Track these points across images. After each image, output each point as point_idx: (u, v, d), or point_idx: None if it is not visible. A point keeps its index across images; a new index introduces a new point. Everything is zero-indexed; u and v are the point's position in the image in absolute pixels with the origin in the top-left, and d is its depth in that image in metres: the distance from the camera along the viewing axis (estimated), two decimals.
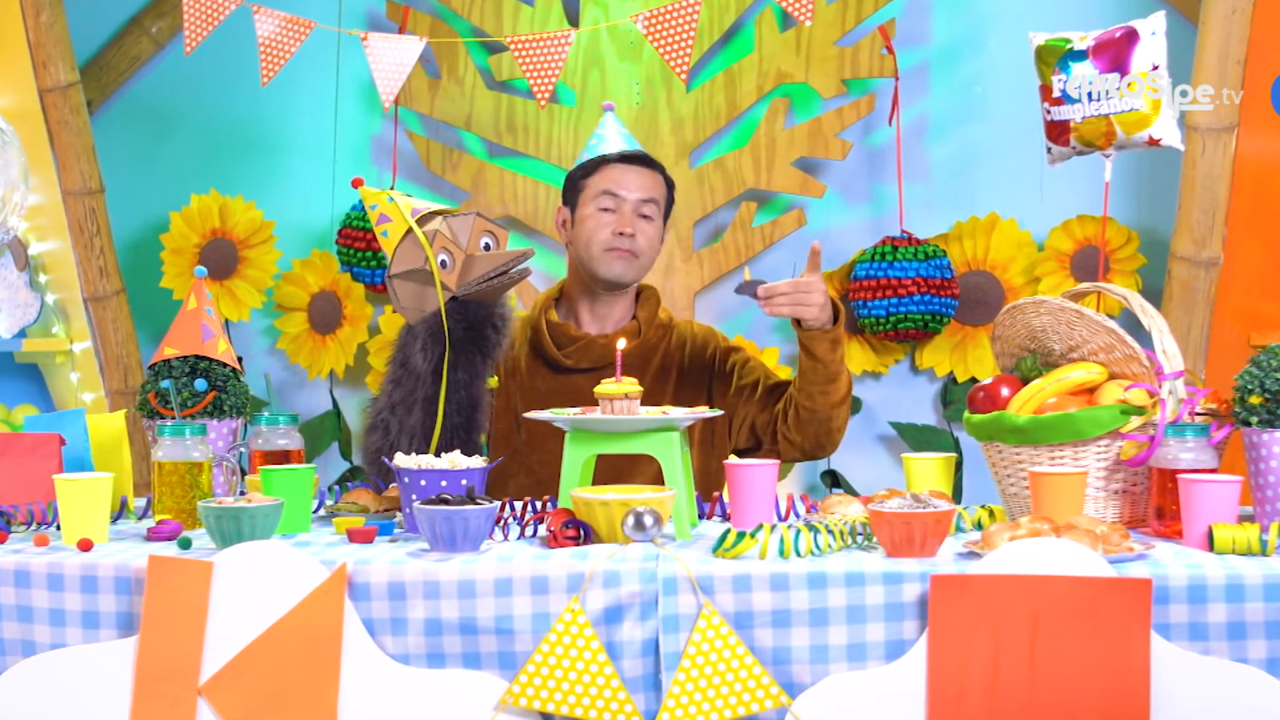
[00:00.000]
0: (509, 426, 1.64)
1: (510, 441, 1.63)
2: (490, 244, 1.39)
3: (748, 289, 1.46)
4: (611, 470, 1.44)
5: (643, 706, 1.08)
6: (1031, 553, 1.06)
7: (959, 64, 2.15)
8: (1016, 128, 2.07)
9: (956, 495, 2.01)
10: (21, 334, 2.10)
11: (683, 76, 1.87)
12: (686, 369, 1.65)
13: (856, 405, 2.17)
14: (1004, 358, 1.40)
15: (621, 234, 1.61)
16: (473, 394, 1.38)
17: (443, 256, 1.36)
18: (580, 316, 1.67)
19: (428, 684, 1.08)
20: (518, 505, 1.34)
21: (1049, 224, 2.09)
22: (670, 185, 1.68)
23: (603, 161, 1.65)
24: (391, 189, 2.16)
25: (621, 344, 1.37)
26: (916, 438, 2.12)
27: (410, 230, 1.36)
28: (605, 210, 1.63)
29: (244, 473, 1.45)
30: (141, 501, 1.42)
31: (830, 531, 1.14)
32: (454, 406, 1.36)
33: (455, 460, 1.23)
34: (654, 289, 1.71)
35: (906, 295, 2.02)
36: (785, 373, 2.16)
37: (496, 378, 1.54)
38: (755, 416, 1.60)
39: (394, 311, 2.01)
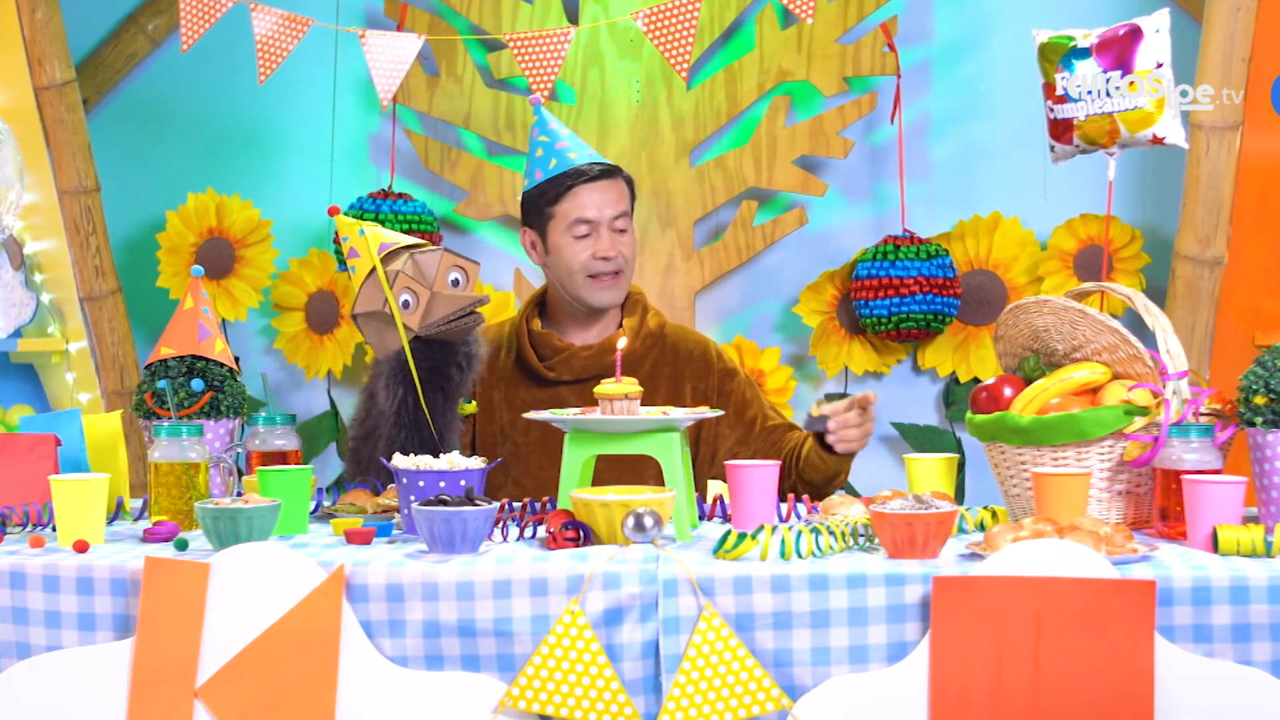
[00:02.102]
0: (494, 438, 1.62)
1: (496, 453, 1.62)
2: (459, 279, 1.37)
3: (817, 424, 1.51)
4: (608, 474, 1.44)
5: (643, 709, 1.07)
6: (1034, 554, 1.05)
7: (961, 62, 2.15)
8: (1019, 126, 2.07)
9: (959, 496, 2.01)
10: (17, 334, 2.09)
11: (683, 74, 1.86)
12: (676, 380, 1.63)
13: None
14: (1007, 358, 1.39)
15: (605, 258, 1.59)
16: (438, 430, 1.38)
17: (405, 297, 1.35)
18: (564, 326, 1.65)
19: (426, 686, 1.08)
20: (516, 506, 1.34)
21: (1052, 223, 2.08)
22: (630, 181, 1.63)
23: (570, 185, 1.59)
24: (384, 190, 2.16)
25: (622, 343, 1.37)
26: (919, 438, 2.11)
27: (374, 269, 1.34)
28: (581, 237, 1.60)
29: (241, 473, 1.44)
30: (138, 502, 1.41)
31: (831, 533, 1.13)
32: (415, 447, 1.37)
33: (454, 461, 1.23)
34: (640, 294, 1.68)
35: (909, 295, 2.01)
36: (786, 375, 2.16)
37: (474, 402, 1.52)
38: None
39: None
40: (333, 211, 1.42)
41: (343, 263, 2.17)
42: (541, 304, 1.68)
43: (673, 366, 1.64)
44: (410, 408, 1.36)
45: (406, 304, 1.35)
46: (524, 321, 1.65)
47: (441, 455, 1.24)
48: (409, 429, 1.36)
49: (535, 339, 1.63)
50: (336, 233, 2.16)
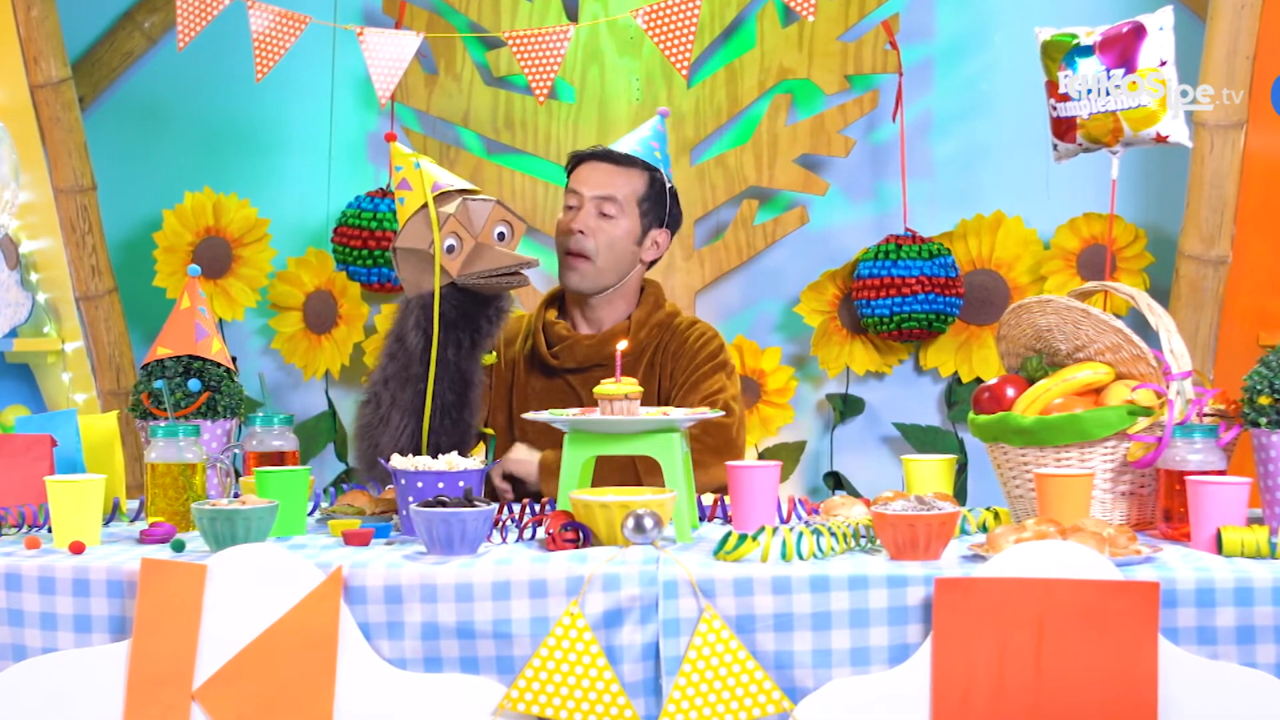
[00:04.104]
0: (504, 423, 1.62)
1: (505, 438, 1.61)
2: (505, 233, 1.37)
3: None
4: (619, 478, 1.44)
5: (643, 711, 1.07)
6: (1037, 555, 1.05)
7: (963, 59, 2.14)
8: (1022, 124, 2.06)
9: (960, 497, 2.00)
10: (12, 333, 2.09)
11: (683, 72, 1.85)
12: (673, 369, 1.61)
13: (860, 406, 2.15)
14: (1009, 358, 1.38)
15: (570, 231, 1.57)
16: (464, 371, 1.37)
17: (450, 241, 1.34)
18: (574, 316, 1.65)
19: (425, 688, 1.07)
20: (515, 508, 1.33)
21: (1055, 222, 2.07)
22: (660, 185, 1.61)
23: (576, 161, 1.61)
24: (383, 189, 2.15)
25: (622, 345, 1.36)
26: (920, 439, 2.11)
27: (425, 206, 1.34)
28: (569, 208, 1.60)
29: (238, 474, 1.43)
30: (134, 504, 1.41)
31: (833, 534, 1.13)
32: (445, 384, 1.36)
33: (453, 462, 1.22)
34: (655, 285, 1.67)
35: (910, 294, 2.00)
36: (787, 375, 2.15)
37: (495, 353, 1.52)
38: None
39: (396, 279, 1.98)
40: (390, 138, 1.40)
41: (341, 261, 2.16)
42: (559, 297, 1.68)
43: (669, 351, 1.62)
44: (441, 347, 1.34)
45: (451, 248, 1.34)
46: (541, 312, 1.65)
47: (440, 456, 1.23)
48: (439, 364, 1.34)
49: (546, 328, 1.63)
50: (335, 229, 2.15)
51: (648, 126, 1.64)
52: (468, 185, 1.40)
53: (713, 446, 1.50)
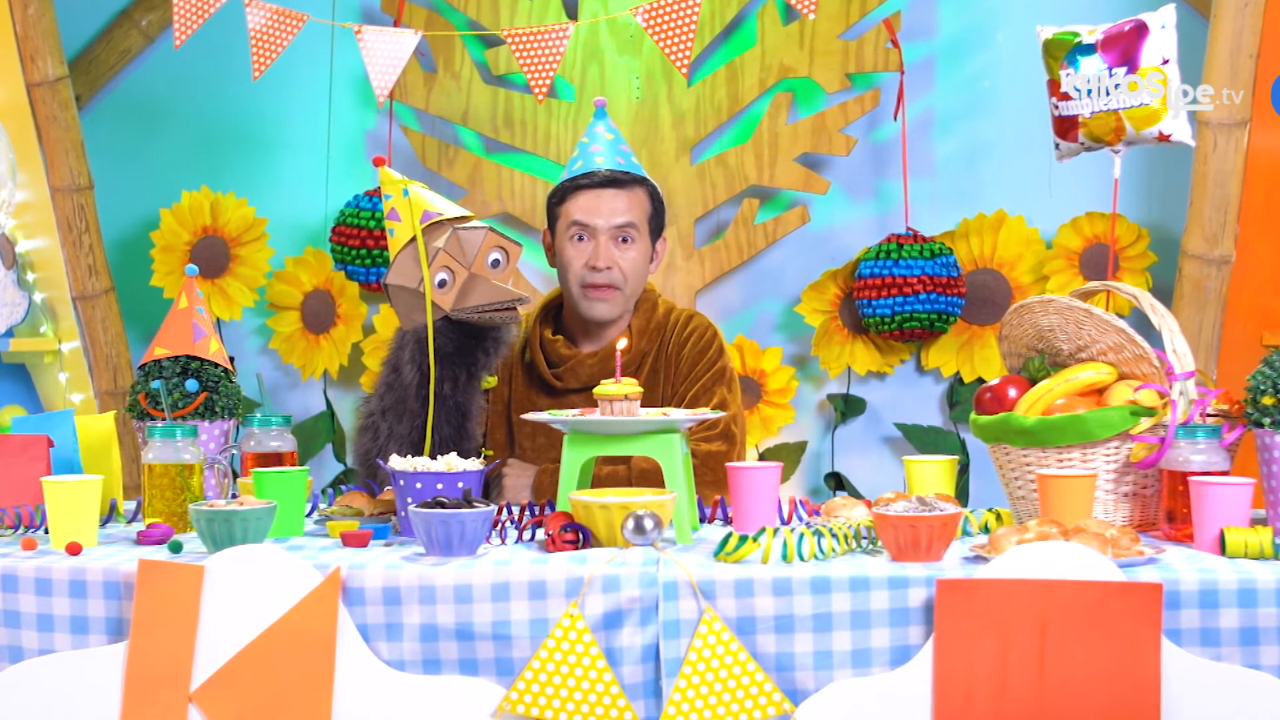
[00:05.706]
0: (504, 440, 1.62)
1: (505, 455, 1.61)
2: (499, 260, 1.34)
3: None
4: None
5: (643, 713, 1.06)
6: (1039, 557, 1.04)
7: (965, 58, 2.13)
8: (1024, 123, 2.05)
9: (962, 498, 2.00)
10: (9, 333, 2.09)
11: (683, 71, 1.84)
12: (673, 373, 1.60)
13: (861, 406, 2.15)
14: (1011, 358, 1.38)
15: (594, 268, 1.56)
16: (460, 404, 1.36)
17: (442, 275, 1.32)
18: (574, 332, 1.63)
19: (423, 690, 1.07)
20: (515, 509, 1.32)
21: (1057, 221, 2.06)
22: (657, 195, 1.60)
23: (573, 187, 1.58)
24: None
25: (623, 344, 1.35)
26: (922, 439, 2.10)
27: (414, 239, 1.31)
28: (578, 240, 1.58)
29: (236, 475, 1.43)
30: (131, 504, 1.40)
31: (834, 535, 1.12)
32: (443, 417, 1.35)
33: (451, 463, 1.21)
34: (650, 291, 1.66)
35: (912, 294, 2.00)
36: (788, 375, 2.14)
37: (495, 377, 1.50)
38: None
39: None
40: (378, 162, 1.37)
41: (339, 261, 2.15)
42: (556, 310, 1.66)
43: (676, 351, 1.61)
44: (437, 382, 1.33)
45: (443, 282, 1.31)
46: (537, 326, 1.63)
47: (439, 457, 1.23)
48: (436, 398, 1.33)
49: (545, 346, 1.62)
50: (333, 229, 2.14)
51: (608, 131, 1.60)
52: (459, 211, 1.35)
53: (711, 481, 1.50)
